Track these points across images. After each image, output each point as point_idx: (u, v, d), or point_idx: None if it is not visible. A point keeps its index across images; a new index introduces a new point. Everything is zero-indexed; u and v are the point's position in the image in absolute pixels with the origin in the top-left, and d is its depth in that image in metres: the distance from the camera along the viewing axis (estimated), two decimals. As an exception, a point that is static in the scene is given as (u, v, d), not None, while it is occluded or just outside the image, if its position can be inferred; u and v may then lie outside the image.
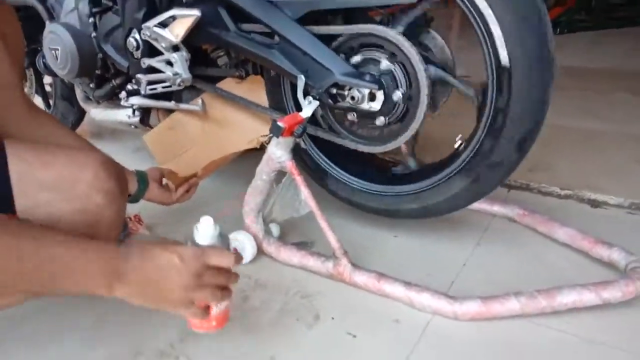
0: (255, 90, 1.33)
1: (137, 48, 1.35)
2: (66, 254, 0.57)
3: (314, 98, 1.12)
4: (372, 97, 1.08)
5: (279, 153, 1.10)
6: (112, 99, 1.56)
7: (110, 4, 1.38)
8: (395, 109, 1.09)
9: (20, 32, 1.02)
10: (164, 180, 1.35)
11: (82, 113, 1.83)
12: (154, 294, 0.65)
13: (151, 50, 1.33)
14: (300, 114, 1.11)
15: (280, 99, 1.30)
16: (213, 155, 1.36)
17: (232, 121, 1.36)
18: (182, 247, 0.68)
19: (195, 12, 1.18)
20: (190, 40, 1.26)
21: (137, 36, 1.33)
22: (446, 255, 1.21)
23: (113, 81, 1.51)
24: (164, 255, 0.64)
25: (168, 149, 1.44)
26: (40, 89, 1.90)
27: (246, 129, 1.34)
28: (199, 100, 1.35)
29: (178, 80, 1.31)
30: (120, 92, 1.50)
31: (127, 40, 1.35)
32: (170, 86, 1.35)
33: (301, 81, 1.12)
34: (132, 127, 1.53)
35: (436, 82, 1.07)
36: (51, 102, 1.91)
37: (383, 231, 1.30)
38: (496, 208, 1.34)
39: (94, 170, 0.64)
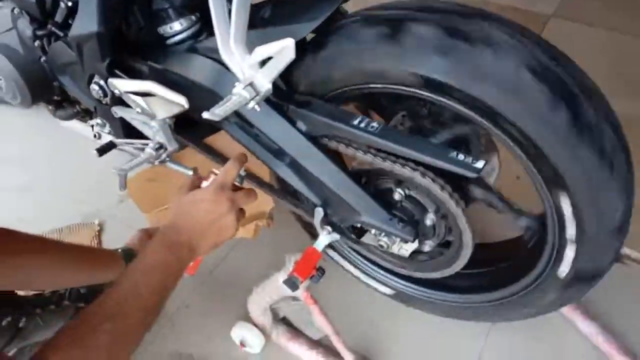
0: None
1: (105, 95, 1.06)
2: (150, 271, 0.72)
3: (334, 229, 0.94)
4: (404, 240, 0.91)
5: (289, 292, 0.97)
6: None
7: (61, 33, 1.03)
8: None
9: None
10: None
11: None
12: (215, 231, 0.80)
13: (123, 101, 1.05)
14: (315, 246, 0.94)
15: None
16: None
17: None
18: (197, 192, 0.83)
19: (182, 101, 0.89)
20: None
21: (103, 84, 1.03)
22: (459, 349, 1.17)
23: (77, 107, 1.23)
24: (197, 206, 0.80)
25: (152, 199, 1.25)
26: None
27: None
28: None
29: (163, 155, 1.06)
30: (84, 118, 1.24)
31: (90, 86, 1.05)
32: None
33: (319, 214, 0.92)
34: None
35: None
36: None
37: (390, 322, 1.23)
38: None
39: None
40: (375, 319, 1.22)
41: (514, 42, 0.67)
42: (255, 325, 1.16)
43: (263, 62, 0.72)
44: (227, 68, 0.84)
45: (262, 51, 0.70)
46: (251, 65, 0.73)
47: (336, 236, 0.94)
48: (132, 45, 1.01)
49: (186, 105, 0.89)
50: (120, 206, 1.50)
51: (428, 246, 0.92)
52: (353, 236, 0.94)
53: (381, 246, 0.91)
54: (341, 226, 0.93)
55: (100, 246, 1.38)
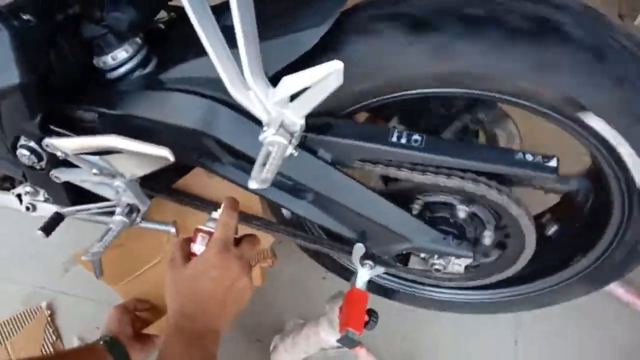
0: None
1: (40, 159, 0.82)
2: None
3: (376, 262, 0.80)
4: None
5: (334, 340, 0.82)
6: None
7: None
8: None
9: None
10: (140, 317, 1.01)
11: None
12: (233, 300, 0.65)
13: (67, 162, 0.82)
14: (358, 286, 0.80)
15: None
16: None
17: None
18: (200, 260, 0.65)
19: (166, 154, 0.69)
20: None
21: (35, 146, 0.79)
22: (496, 342, 1.11)
23: (-7, 176, 0.96)
24: (206, 285, 0.63)
25: (119, 269, 1.02)
26: None
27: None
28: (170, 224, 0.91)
29: (137, 219, 0.85)
30: (3, 186, 0.98)
31: (17, 152, 0.80)
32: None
33: (359, 251, 0.78)
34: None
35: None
36: None
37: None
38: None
39: None
40: (407, 332, 1.13)
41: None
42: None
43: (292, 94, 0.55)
44: (219, 102, 0.67)
45: (295, 82, 0.54)
46: (278, 101, 0.55)
47: (379, 270, 0.80)
48: (60, 90, 0.78)
49: (172, 159, 0.69)
50: (68, 278, 1.23)
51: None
52: (399, 265, 0.81)
53: (436, 270, 0.79)
54: (385, 257, 0.79)
55: (57, 334, 1.13)
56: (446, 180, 0.67)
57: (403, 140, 0.67)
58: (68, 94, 0.77)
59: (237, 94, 0.56)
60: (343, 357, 0.94)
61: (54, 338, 1.12)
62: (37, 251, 1.26)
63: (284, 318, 1.11)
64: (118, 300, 1.06)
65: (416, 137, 0.68)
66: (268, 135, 0.55)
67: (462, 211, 0.75)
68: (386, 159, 0.69)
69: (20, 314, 1.15)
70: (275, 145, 0.54)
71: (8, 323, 1.13)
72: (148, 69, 0.75)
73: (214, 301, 0.64)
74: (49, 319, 1.14)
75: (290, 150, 0.57)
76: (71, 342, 1.11)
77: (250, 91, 0.55)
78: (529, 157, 0.65)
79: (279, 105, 0.56)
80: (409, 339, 1.13)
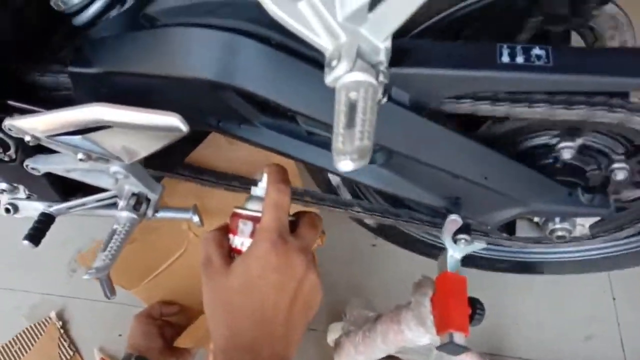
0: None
1: (5, 149, 0.61)
2: None
3: (473, 235, 0.60)
4: (578, 215, 0.59)
5: (425, 341, 0.63)
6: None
7: None
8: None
9: None
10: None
11: None
12: (302, 310, 0.45)
13: (42, 147, 0.61)
14: (451, 269, 0.60)
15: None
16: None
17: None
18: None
19: (176, 123, 0.48)
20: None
21: (-6, 131, 0.58)
22: (589, 314, 0.94)
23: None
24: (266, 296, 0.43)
25: (136, 269, 0.83)
26: None
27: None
28: (190, 211, 0.70)
29: (149, 211, 0.64)
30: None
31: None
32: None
33: (454, 223, 0.57)
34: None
35: None
36: None
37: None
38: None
39: None
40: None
41: None
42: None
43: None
44: (244, 34, 0.45)
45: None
46: (351, 14, 0.33)
47: (478, 245, 0.60)
48: (14, 51, 0.56)
49: (185, 129, 0.48)
50: (76, 279, 1.05)
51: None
52: (505, 235, 0.60)
53: (559, 237, 0.58)
54: (488, 228, 0.59)
55: (73, 348, 0.96)
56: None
57: (520, 59, 0.45)
58: (26, 56, 0.56)
59: (279, 9, 0.34)
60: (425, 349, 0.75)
61: (71, 353, 0.95)
62: (36, 252, 1.07)
63: (338, 298, 0.93)
64: (140, 301, 0.88)
65: (537, 51, 0.46)
66: (341, 72, 0.33)
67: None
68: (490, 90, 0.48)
69: (27, 328, 0.97)
70: (362, 88, 0.32)
71: (15, 342, 0.96)
72: (128, 3, 0.52)
73: (278, 318, 0.42)
74: (61, 330, 0.97)
75: (379, 94, 0.34)
76: (91, 355, 0.94)
77: (301, 1, 0.33)
78: None
79: (352, 20, 0.33)
80: (489, 313, 0.94)
